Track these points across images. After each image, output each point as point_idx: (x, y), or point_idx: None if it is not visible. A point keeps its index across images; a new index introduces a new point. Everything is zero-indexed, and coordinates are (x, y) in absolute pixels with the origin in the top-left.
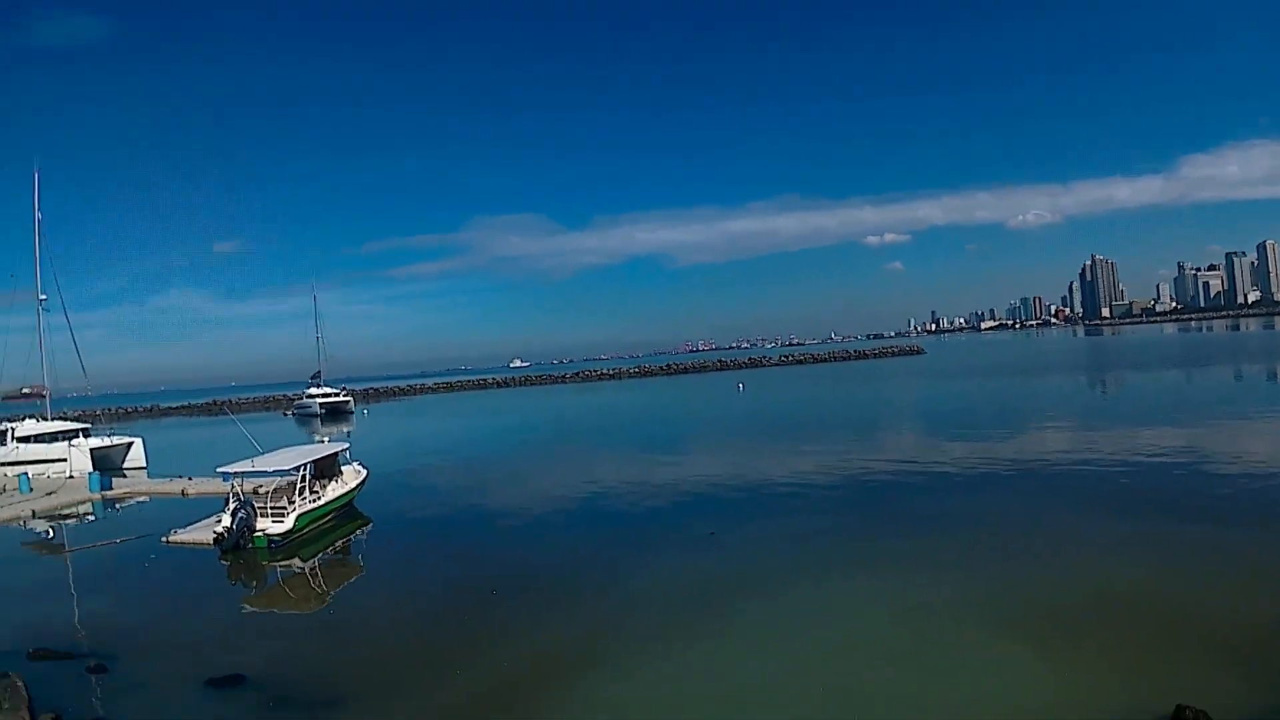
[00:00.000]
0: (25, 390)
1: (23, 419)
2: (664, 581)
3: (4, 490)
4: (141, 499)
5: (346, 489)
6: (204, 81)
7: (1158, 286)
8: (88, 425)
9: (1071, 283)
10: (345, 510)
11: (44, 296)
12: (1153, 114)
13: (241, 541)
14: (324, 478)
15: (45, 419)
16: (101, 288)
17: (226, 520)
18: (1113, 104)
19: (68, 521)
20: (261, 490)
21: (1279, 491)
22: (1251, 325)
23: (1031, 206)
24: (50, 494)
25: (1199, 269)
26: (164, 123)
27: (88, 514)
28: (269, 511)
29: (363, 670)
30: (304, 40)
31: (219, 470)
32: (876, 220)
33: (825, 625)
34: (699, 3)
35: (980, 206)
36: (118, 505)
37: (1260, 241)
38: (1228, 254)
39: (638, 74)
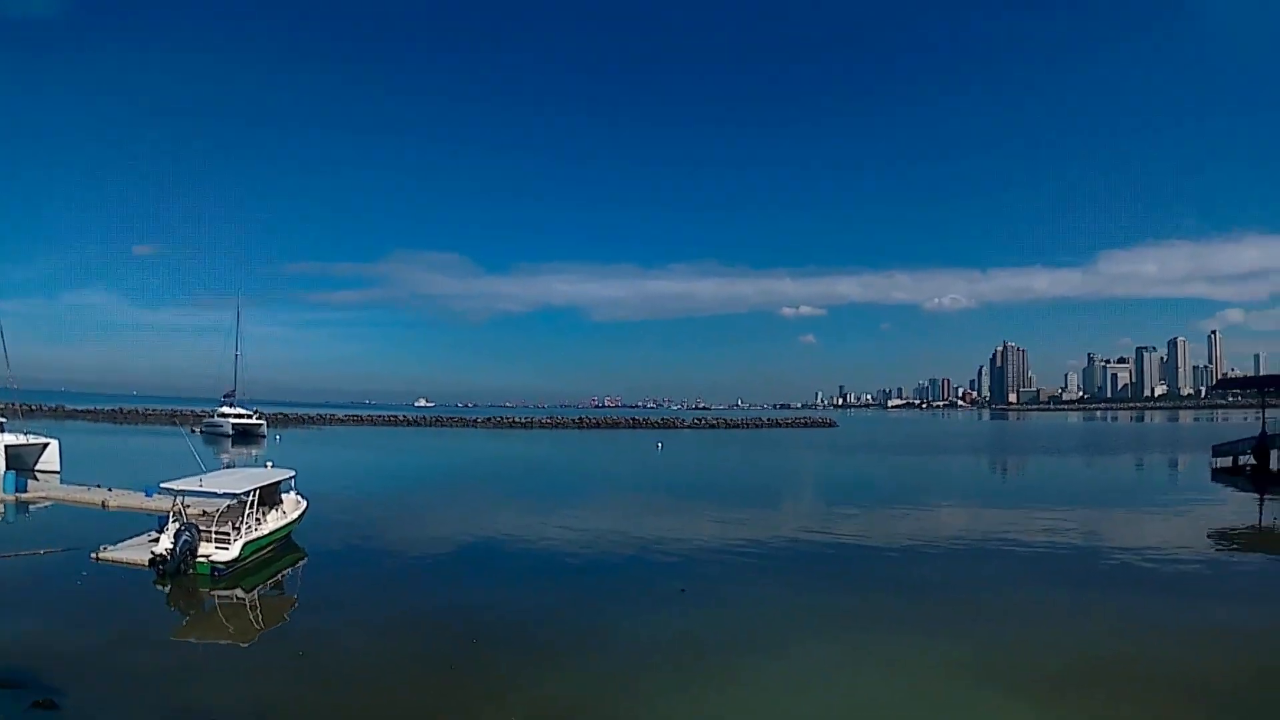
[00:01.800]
0: None
1: None
2: (646, 637)
3: None
4: (57, 506)
5: (289, 519)
6: (138, 75)
7: (1066, 376)
8: (2, 420)
9: (981, 367)
10: (285, 541)
11: None
12: (1078, 205)
13: (183, 566)
14: (266, 505)
15: None
16: (13, 276)
17: (166, 542)
18: (1038, 195)
19: None
20: (206, 513)
21: (1182, 564)
22: (1156, 417)
23: (949, 290)
24: None
25: (1109, 360)
26: (94, 114)
27: (1, 517)
28: (213, 536)
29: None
30: (244, 48)
31: (163, 486)
32: (794, 292)
33: (823, 682)
34: (637, 65)
35: (898, 287)
36: (31, 510)
37: (1171, 338)
38: (1138, 348)
39: (571, 126)
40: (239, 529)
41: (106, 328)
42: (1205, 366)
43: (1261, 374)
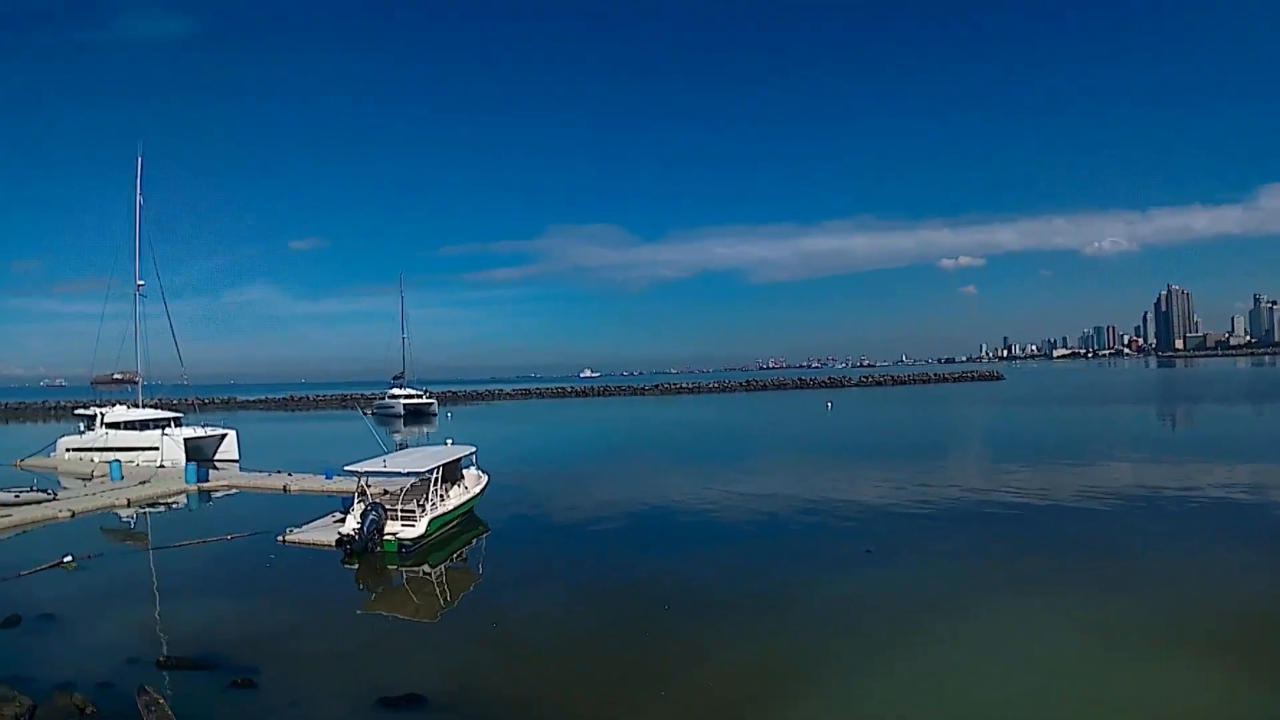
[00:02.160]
0: (116, 376)
1: (113, 405)
2: (836, 598)
3: (92, 477)
4: (239, 493)
5: (471, 494)
6: (284, 78)
7: (1233, 319)
8: (180, 414)
9: (1146, 313)
10: (467, 516)
11: (142, 283)
12: (1232, 143)
13: (370, 545)
14: (449, 482)
15: (137, 406)
16: (177, 279)
17: (353, 521)
18: (1193, 132)
19: (165, 513)
20: (389, 492)
21: None
22: None
23: (1108, 234)
24: (144, 483)
25: (1275, 302)
26: (240, 118)
27: (186, 506)
28: (399, 514)
29: (553, 691)
30: (387, 39)
31: (347, 468)
32: (951, 243)
33: (1012, 644)
34: (781, 26)
35: (1056, 232)
36: (214, 499)
37: None
38: None
39: (719, 91)
40: (423, 506)
41: (270, 321)
42: None
43: None
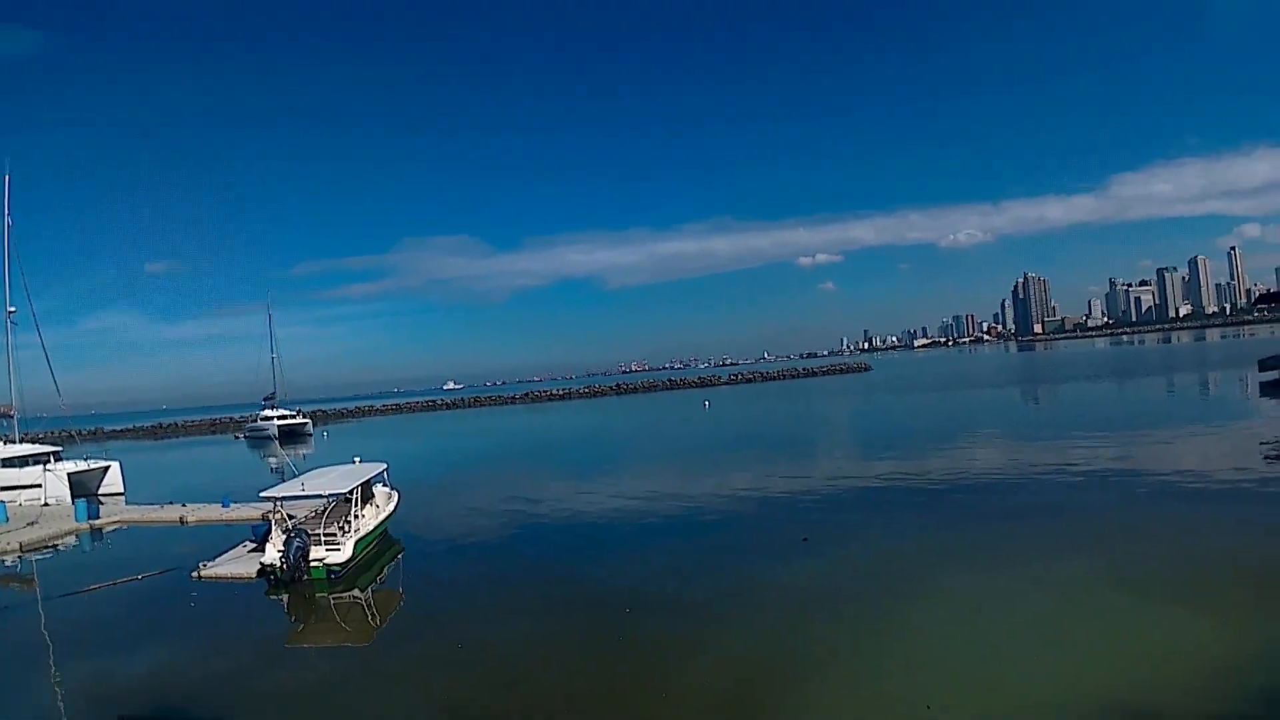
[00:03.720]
0: None
1: None
2: (793, 586)
3: None
4: (133, 528)
5: (386, 512)
6: (128, 99)
7: (1089, 302)
8: (59, 448)
9: (1004, 300)
10: (382, 536)
11: (13, 309)
12: (1084, 133)
13: (298, 573)
14: (362, 501)
15: (13, 441)
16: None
17: (273, 550)
18: (1044, 122)
19: (60, 555)
20: (302, 517)
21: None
22: (1183, 338)
23: (964, 226)
24: (31, 524)
25: (1130, 284)
26: (86, 141)
27: (80, 547)
28: (321, 539)
29: (553, 710)
30: (231, 51)
31: (263, 494)
32: (809, 241)
33: (980, 612)
34: (631, 32)
35: (912, 227)
36: (108, 536)
37: (1191, 257)
38: (1159, 269)
39: (568, 97)
40: (344, 528)
41: (129, 347)
42: (1228, 283)
43: None
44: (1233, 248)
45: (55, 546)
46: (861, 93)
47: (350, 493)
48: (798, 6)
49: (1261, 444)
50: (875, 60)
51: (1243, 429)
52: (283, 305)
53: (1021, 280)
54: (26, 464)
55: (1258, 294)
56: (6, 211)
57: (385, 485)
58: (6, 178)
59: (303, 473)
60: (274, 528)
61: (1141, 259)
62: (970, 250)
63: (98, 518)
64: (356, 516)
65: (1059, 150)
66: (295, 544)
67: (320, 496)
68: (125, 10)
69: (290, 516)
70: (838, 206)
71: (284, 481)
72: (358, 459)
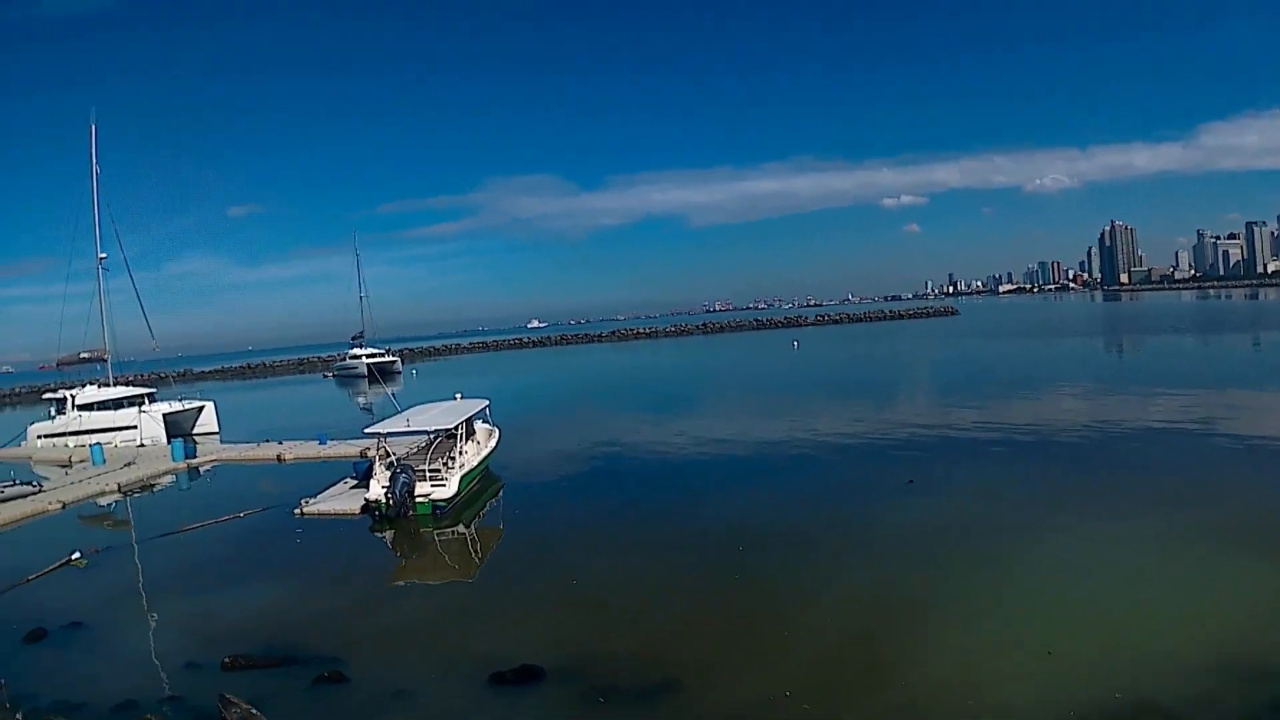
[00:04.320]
0: (84, 355)
1: (82, 385)
2: (903, 527)
3: (71, 463)
4: (230, 466)
5: (488, 449)
6: (210, 45)
7: (1176, 254)
8: (153, 389)
9: (1090, 248)
10: (483, 473)
11: (104, 255)
12: (1172, 81)
13: (404, 509)
14: (465, 438)
15: (107, 384)
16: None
17: (377, 486)
18: (1132, 70)
19: (160, 495)
20: (408, 452)
21: None
22: (1271, 294)
23: (1049, 171)
24: (128, 465)
25: (1219, 237)
26: (167, 88)
27: (178, 486)
28: (426, 474)
29: (670, 646)
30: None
31: (367, 430)
32: (893, 182)
33: (1096, 555)
34: None
35: (997, 170)
36: (206, 475)
37: None
38: (1248, 223)
39: (651, 35)
40: (448, 464)
41: (214, 290)
42: None
43: None
44: None
45: (154, 486)
46: (945, 36)
47: (455, 428)
48: None
49: None
50: (960, 4)
51: None
52: (366, 246)
53: (1108, 228)
54: (121, 406)
55: None
56: (94, 160)
57: (486, 422)
58: (93, 127)
59: (403, 409)
60: (378, 464)
61: (1230, 211)
62: (1056, 196)
63: (195, 457)
64: (461, 453)
65: (1147, 97)
66: (401, 479)
67: (425, 432)
68: None
69: (389, 453)
70: (922, 147)
71: (386, 419)
72: (459, 395)
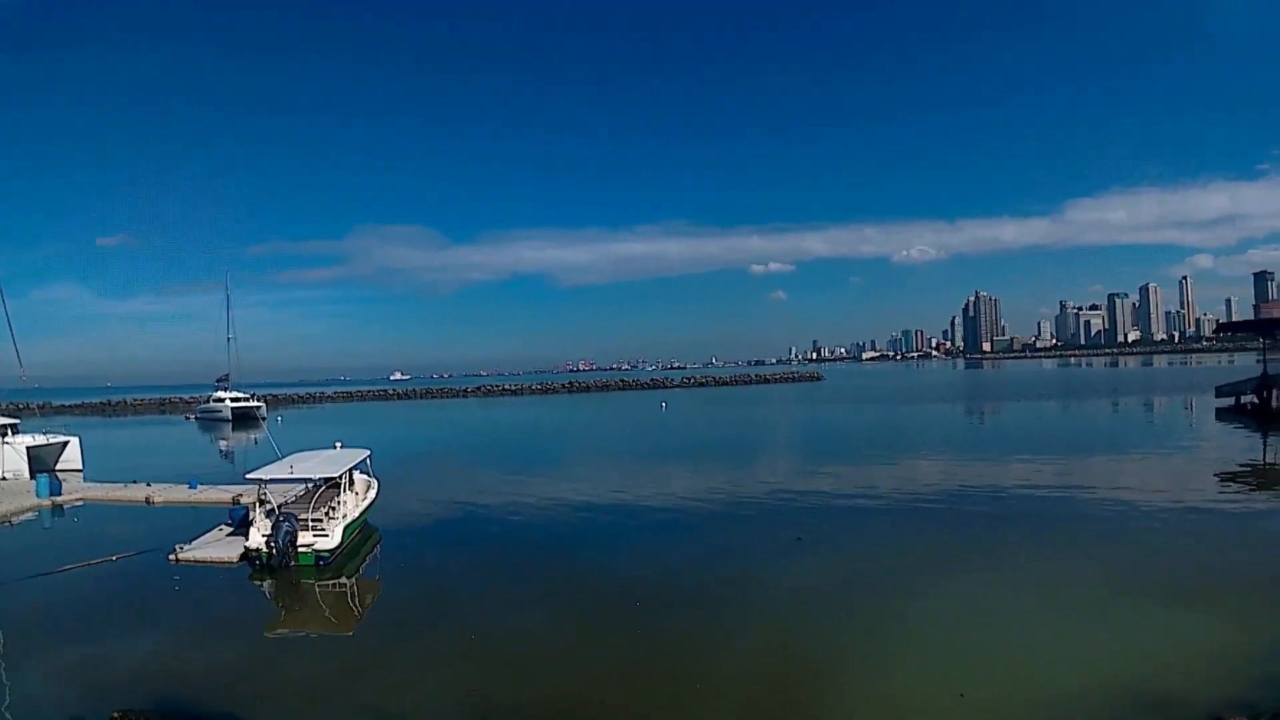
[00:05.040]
0: None
1: None
2: (798, 584)
3: None
4: (96, 506)
5: (369, 499)
6: (83, 71)
7: (1039, 324)
8: (17, 420)
9: (954, 317)
10: (363, 524)
11: None
12: (1042, 156)
13: (286, 559)
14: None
15: None
16: None
17: (257, 534)
18: (1002, 145)
19: (23, 533)
20: (286, 501)
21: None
22: (1130, 362)
23: (917, 242)
24: None
25: (1081, 308)
26: (43, 113)
27: (42, 524)
28: (309, 524)
29: (583, 704)
30: (191, 33)
31: (248, 476)
32: (762, 249)
33: (994, 608)
34: (592, 29)
35: (866, 240)
36: (70, 514)
37: (1143, 284)
38: (1110, 295)
39: (534, 92)
40: (331, 514)
41: (78, 321)
42: (1178, 311)
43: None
44: (1184, 277)
45: (15, 522)
46: (819, 108)
47: (340, 477)
48: (760, 17)
49: (1240, 465)
50: (833, 76)
51: (1210, 450)
52: (235, 286)
53: (973, 299)
54: None
55: (1209, 324)
56: None
57: (365, 473)
58: None
59: (281, 456)
60: (257, 511)
61: (1093, 284)
62: (923, 266)
63: (59, 494)
64: (342, 503)
65: (1016, 172)
66: (284, 529)
67: (310, 480)
68: None
69: (264, 501)
70: (792, 217)
71: (266, 464)
72: (338, 444)
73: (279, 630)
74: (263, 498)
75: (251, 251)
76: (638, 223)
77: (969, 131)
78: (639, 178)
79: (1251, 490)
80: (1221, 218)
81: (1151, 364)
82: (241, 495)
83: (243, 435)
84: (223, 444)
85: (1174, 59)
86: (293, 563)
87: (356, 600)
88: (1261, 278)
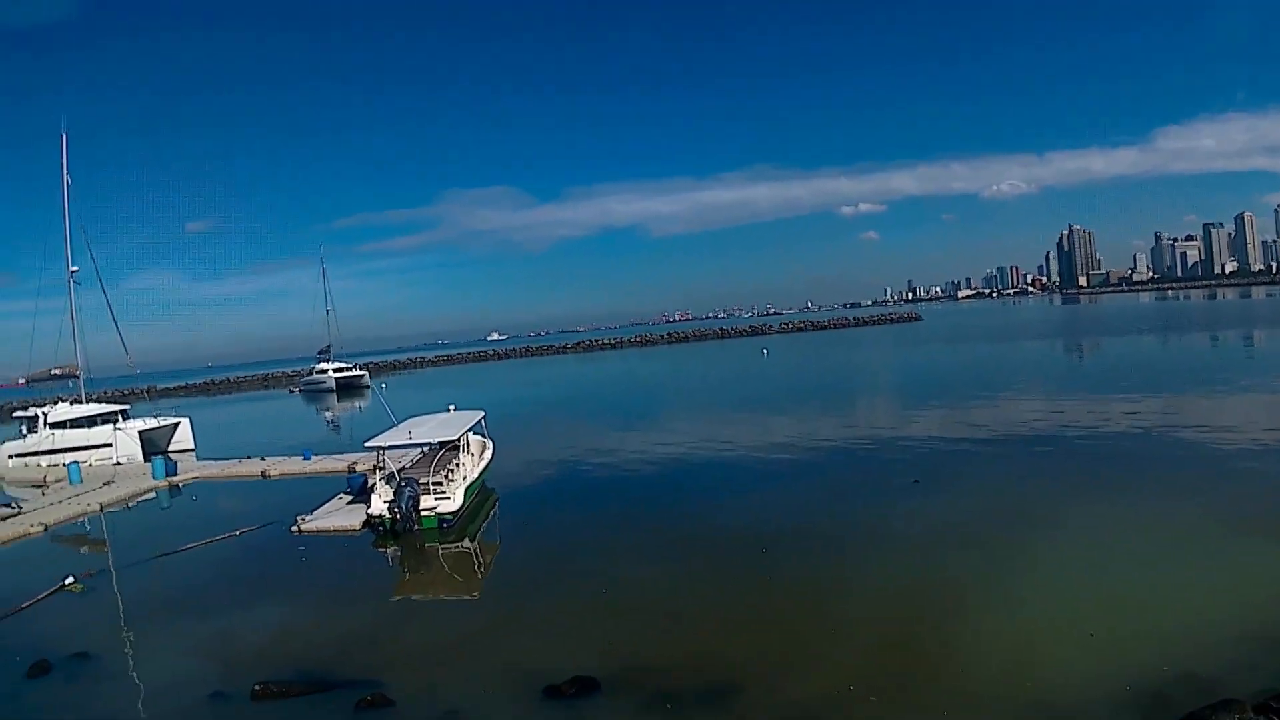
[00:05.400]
0: (55, 371)
1: (53, 402)
2: (922, 522)
3: (46, 483)
4: (213, 484)
5: (485, 460)
6: (164, 60)
7: (1134, 256)
8: (127, 406)
9: (1048, 252)
10: (481, 485)
11: (75, 268)
12: (1127, 86)
13: (410, 523)
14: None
15: (79, 401)
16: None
17: (379, 500)
18: (1088, 75)
19: (145, 514)
20: (404, 466)
21: None
22: (1228, 294)
23: (1007, 177)
24: (108, 484)
25: (1176, 239)
26: (126, 103)
27: (161, 504)
28: (429, 488)
29: (722, 650)
30: (263, 14)
31: (368, 444)
32: (851, 190)
33: (1117, 544)
34: None
35: (955, 177)
36: (187, 492)
37: (1238, 213)
38: (1205, 225)
39: (608, 46)
40: (450, 477)
41: (174, 306)
42: (1275, 241)
43: None
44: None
45: (135, 505)
46: (901, 44)
47: (458, 439)
48: None
49: None
50: (913, 11)
51: None
52: (326, 259)
53: (1066, 232)
54: (95, 423)
55: None
56: (65, 170)
57: (481, 434)
58: (64, 136)
59: (398, 422)
60: (378, 477)
61: (1187, 214)
62: (1014, 201)
63: (175, 475)
64: (461, 465)
65: (1103, 102)
66: (407, 493)
67: (428, 444)
68: None
69: (382, 468)
70: (879, 155)
71: (384, 431)
72: (452, 407)
73: (408, 594)
74: (381, 464)
75: (339, 224)
76: (724, 170)
77: (1053, 62)
78: (722, 124)
79: None
80: None
81: (1250, 295)
82: (357, 463)
83: (348, 404)
84: (329, 414)
85: None
86: (416, 527)
87: (481, 561)
88: None
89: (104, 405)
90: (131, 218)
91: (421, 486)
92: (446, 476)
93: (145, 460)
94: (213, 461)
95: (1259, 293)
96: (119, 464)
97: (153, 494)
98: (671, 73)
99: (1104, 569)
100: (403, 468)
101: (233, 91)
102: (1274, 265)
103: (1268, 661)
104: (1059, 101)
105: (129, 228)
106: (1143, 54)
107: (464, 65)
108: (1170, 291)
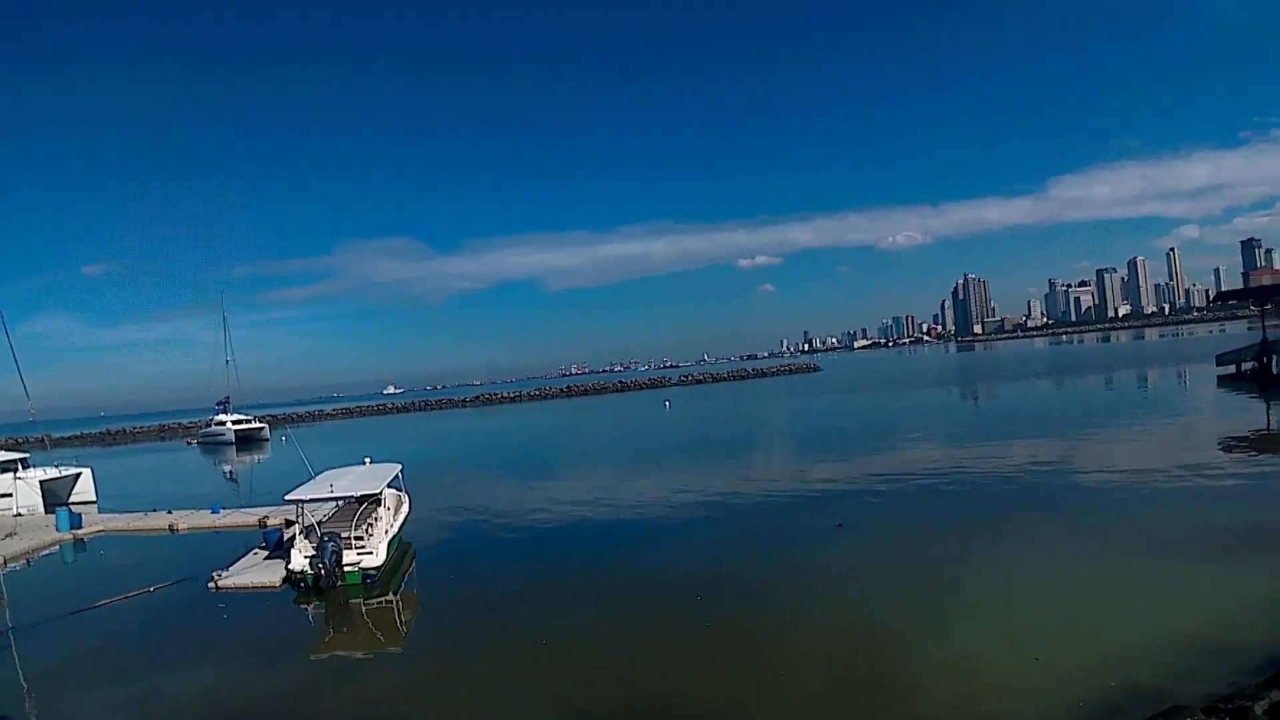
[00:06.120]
0: None
1: None
2: (851, 566)
3: None
4: (119, 537)
5: (404, 513)
6: (60, 99)
7: (1029, 303)
8: (26, 454)
9: (944, 301)
10: (400, 538)
11: None
12: (1022, 135)
13: (333, 579)
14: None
15: None
16: None
17: (299, 557)
18: (983, 127)
19: (50, 568)
20: (322, 520)
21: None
22: (1123, 337)
23: (903, 228)
24: (10, 535)
25: (1070, 285)
26: (20, 143)
27: (64, 559)
28: (352, 542)
29: (671, 699)
30: (160, 56)
31: (287, 498)
32: (748, 243)
33: (1045, 576)
34: (569, 30)
35: (852, 229)
36: (93, 546)
37: (1130, 258)
38: (1098, 270)
39: (509, 97)
40: (371, 531)
41: (69, 351)
42: (1167, 284)
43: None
44: (1171, 249)
45: (38, 559)
46: (797, 98)
47: (379, 492)
48: (738, 12)
49: (1250, 430)
50: (810, 65)
51: (1216, 418)
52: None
53: (961, 281)
54: None
55: (1199, 294)
56: None
57: (398, 487)
58: None
59: (316, 475)
60: (296, 531)
61: (1080, 260)
62: (911, 252)
63: (80, 527)
64: (381, 518)
65: (998, 152)
66: (330, 548)
67: (351, 498)
68: (57, 8)
69: (291, 522)
70: (777, 209)
71: (303, 484)
72: (368, 459)
73: (334, 651)
74: (300, 518)
75: (237, 273)
76: (622, 224)
77: (948, 114)
78: (621, 178)
79: (1262, 453)
80: (1205, 188)
81: (1143, 337)
82: (268, 517)
83: (248, 457)
84: (228, 467)
85: (1148, 32)
86: (339, 582)
87: (406, 616)
88: (1249, 245)
89: (2, 453)
90: (27, 259)
91: (344, 541)
92: (368, 530)
93: (46, 511)
94: (117, 514)
95: (1152, 333)
96: (19, 515)
97: (56, 547)
98: (570, 125)
99: (1038, 598)
100: (320, 521)
101: (128, 131)
102: (1166, 307)
103: (1207, 669)
104: (955, 152)
105: (25, 269)
106: (1036, 105)
107: (364, 110)
108: (1064, 336)
